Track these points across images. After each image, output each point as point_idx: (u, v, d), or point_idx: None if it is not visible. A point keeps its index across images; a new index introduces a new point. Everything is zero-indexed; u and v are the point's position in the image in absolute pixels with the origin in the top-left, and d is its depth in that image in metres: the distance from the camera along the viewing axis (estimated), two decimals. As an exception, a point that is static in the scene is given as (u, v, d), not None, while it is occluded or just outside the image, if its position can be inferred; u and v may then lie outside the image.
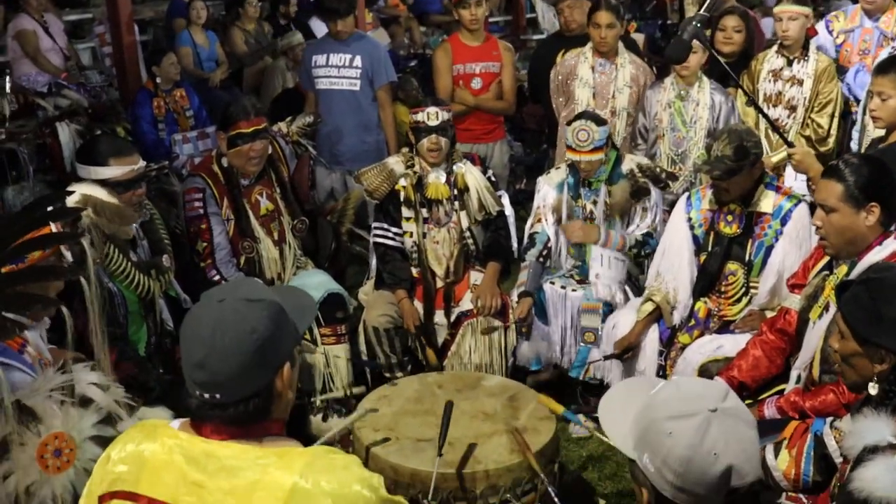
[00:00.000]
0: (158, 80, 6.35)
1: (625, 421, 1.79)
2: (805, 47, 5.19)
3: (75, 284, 2.64)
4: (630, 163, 4.36)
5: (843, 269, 3.05)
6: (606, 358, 4.04)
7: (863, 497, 2.06)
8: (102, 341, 2.67)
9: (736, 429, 1.68)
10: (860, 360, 2.31)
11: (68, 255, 2.72)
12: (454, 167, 4.41)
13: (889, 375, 2.24)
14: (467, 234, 4.45)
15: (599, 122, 4.27)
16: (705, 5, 4.07)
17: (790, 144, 3.82)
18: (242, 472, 1.67)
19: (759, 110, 4.27)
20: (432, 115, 4.29)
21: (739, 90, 5.11)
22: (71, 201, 2.85)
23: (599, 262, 4.30)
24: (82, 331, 2.67)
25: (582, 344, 4.26)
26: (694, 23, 3.87)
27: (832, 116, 5.14)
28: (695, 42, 4.87)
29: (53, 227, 2.57)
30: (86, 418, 2.43)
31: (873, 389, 2.28)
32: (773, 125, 4.10)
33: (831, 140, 5.13)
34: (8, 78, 6.52)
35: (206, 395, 1.67)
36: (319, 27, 7.74)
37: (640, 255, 4.36)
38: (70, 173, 5.50)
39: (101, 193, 3.07)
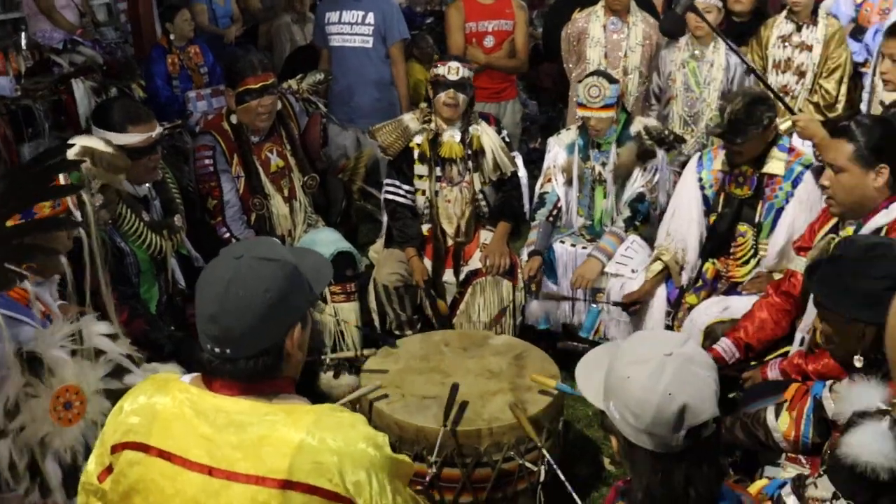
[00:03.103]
0: (172, 36, 6.35)
1: (599, 376, 1.83)
2: (814, 12, 5.12)
3: (79, 239, 2.67)
4: (638, 125, 4.34)
5: (849, 231, 3.05)
6: (614, 304, 4.06)
7: (849, 462, 2.09)
8: (108, 293, 2.70)
9: (690, 370, 1.71)
10: (843, 338, 2.33)
11: (78, 214, 2.75)
12: (470, 128, 4.40)
13: (872, 345, 2.26)
14: (480, 195, 4.45)
15: (611, 80, 4.24)
16: None
17: (792, 111, 3.79)
18: (251, 427, 1.71)
19: (760, 79, 4.23)
20: (453, 70, 4.26)
21: (751, 51, 5.06)
22: (72, 153, 2.87)
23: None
24: (90, 285, 2.70)
25: (593, 305, 4.27)
26: None
27: (840, 82, 5.09)
28: (710, 1, 4.86)
29: (62, 179, 2.60)
30: (95, 371, 2.47)
31: (858, 363, 2.31)
32: (776, 93, 4.07)
33: (839, 106, 5.09)
34: (24, 34, 6.51)
35: (217, 350, 1.71)
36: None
37: (633, 226, 4.34)
38: (86, 130, 5.53)
39: (98, 144, 3.08)
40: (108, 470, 1.84)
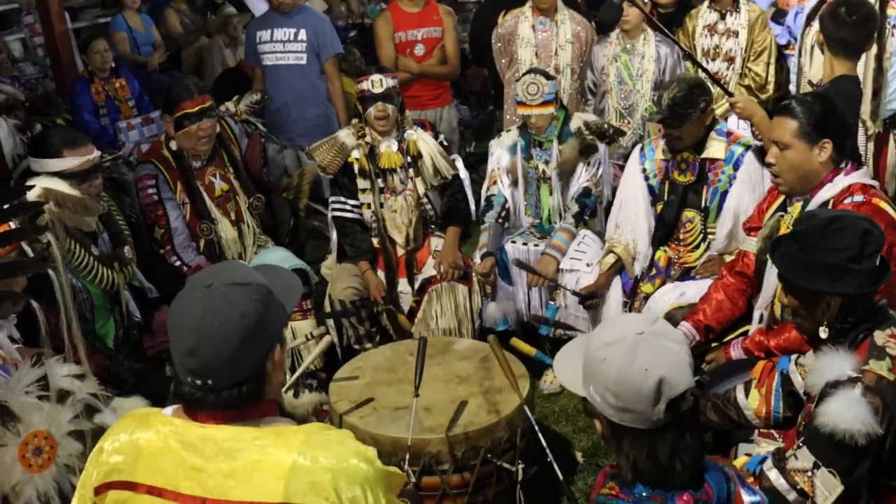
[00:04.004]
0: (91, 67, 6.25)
1: (576, 367, 1.91)
2: None
3: (43, 279, 2.61)
4: (577, 121, 4.39)
5: (797, 207, 3.13)
6: (573, 293, 4.07)
7: (828, 431, 2.15)
8: (78, 332, 2.64)
9: (663, 345, 1.78)
10: (810, 310, 2.39)
11: (29, 251, 2.68)
12: (405, 135, 4.40)
13: (837, 316, 2.32)
14: (424, 200, 4.45)
15: (548, 76, 4.30)
16: None
17: (730, 94, 3.89)
18: (241, 453, 1.68)
19: (697, 63, 4.35)
20: (377, 83, 4.27)
21: (679, 42, 5.17)
22: (31, 195, 2.80)
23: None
24: (54, 325, 2.64)
25: (551, 302, 4.31)
26: None
27: (768, 64, 5.23)
28: (635, -6, 4.95)
29: (12, 224, 2.53)
30: (63, 414, 2.42)
31: (823, 333, 2.37)
32: (712, 77, 4.18)
33: (770, 86, 5.24)
34: (-62, 75, 6.34)
35: (199, 381, 1.68)
36: (254, 3, 7.62)
37: (583, 220, 4.38)
38: (13, 169, 5.38)
39: (61, 186, 3.02)
40: None
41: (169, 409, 1.78)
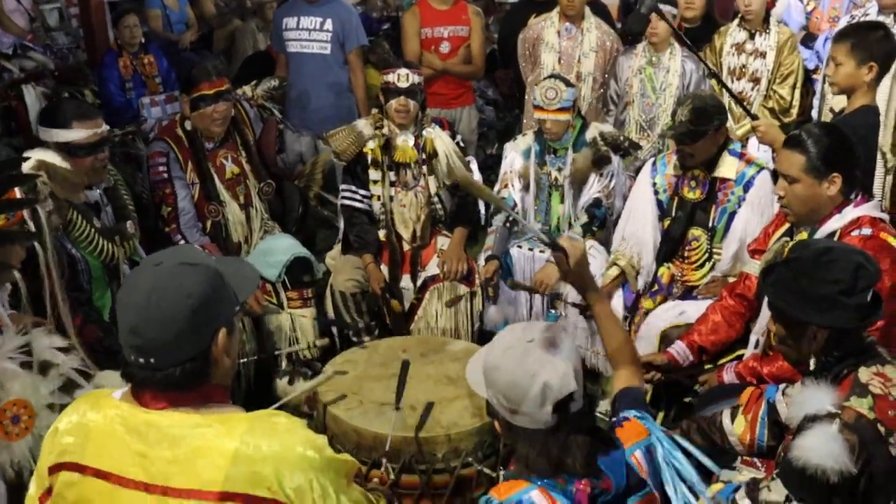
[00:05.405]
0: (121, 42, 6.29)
1: (480, 373, 2.05)
2: (766, 20, 5.20)
3: (33, 250, 2.64)
4: (594, 131, 4.37)
5: (804, 235, 3.09)
6: (573, 305, 4.04)
7: (800, 465, 2.12)
8: (64, 305, 2.67)
9: (550, 352, 1.93)
10: (796, 340, 2.36)
11: (31, 225, 2.71)
12: (423, 131, 4.40)
13: (824, 348, 2.29)
14: (435, 198, 4.45)
15: (567, 84, 4.28)
16: None
17: (753, 117, 3.84)
18: (184, 440, 1.68)
19: (721, 82, 4.31)
20: (402, 77, 4.27)
21: (706, 59, 5.12)
22: (27, 167, 2.83)
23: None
24: (38, 295, 2.67)
25: (552, 310, 4.28)
26: None
27: (794, 87, 5.17)
28: (666, 8, 4.91)
29: (18, 193, 2.56)
30: (44, 385, 2.44)
31: (811, 366, 2.33)
32: (736, 97, 4.14)
33: (794, 111, 5.17)
34: (-29, 40, 6.39)
35: (142, 360, 1.67)
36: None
37: (591, 230, 4.35)
38: (37, 137, 5.45)
39: (55, 159, 3.04)
40: (48, 492, 1.80)
41: (118, 393, 1.78)
